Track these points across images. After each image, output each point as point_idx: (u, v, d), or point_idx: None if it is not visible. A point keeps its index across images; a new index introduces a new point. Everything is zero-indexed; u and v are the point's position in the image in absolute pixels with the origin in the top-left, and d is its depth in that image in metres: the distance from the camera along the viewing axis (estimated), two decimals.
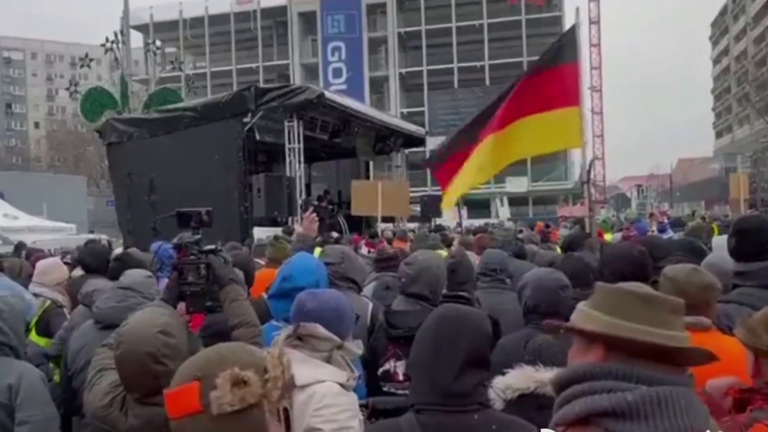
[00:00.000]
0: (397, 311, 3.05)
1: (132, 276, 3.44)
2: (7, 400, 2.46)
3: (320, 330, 2.12)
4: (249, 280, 3.77)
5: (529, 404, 2.04)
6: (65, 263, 5.64)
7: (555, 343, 2.26)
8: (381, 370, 2.95)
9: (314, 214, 4.18)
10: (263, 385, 1.34)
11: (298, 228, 6.59)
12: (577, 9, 6.42)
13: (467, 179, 6.52)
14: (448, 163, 6.79)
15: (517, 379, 2.09)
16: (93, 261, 4.81)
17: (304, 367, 2.04)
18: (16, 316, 2.81)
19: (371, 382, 2.89)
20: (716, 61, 75.23)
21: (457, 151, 6.66)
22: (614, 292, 1.36)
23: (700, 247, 4.16)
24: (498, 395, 2.01)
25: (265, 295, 3.29)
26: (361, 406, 2.27)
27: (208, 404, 1.27)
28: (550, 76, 6.01)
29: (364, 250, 7.13)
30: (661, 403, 1.15)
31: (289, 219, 11.39)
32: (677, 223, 10.33)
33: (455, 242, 7.41)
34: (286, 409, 1.94)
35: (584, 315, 1.37)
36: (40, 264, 4.85)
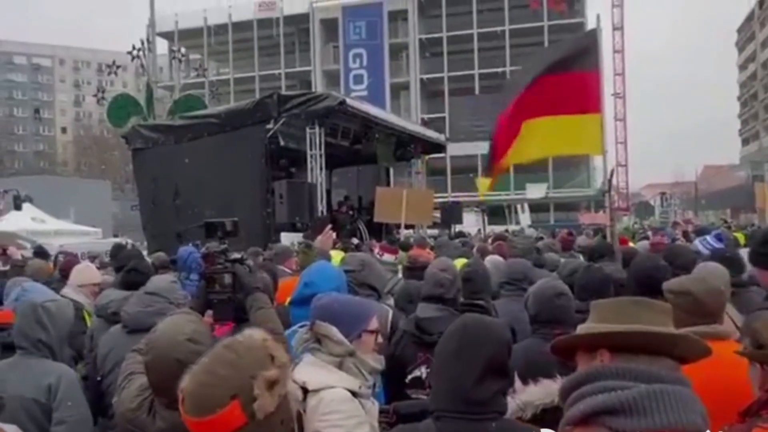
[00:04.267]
0: (428, 317, 3.03)
1: (157, 281, 3.54)
2: (45, 399, 2.53)
3: (334, 332, 2.14)
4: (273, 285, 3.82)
5: (553, 418, 2.03)
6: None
7: None
8: (410, 377, 2.96)
9: (331, 231, 4.28)
10: (283, 373, 1.43)
11: (318, 241, 6.57)
12: (598, 16, 6.34)
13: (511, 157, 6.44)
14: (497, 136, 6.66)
15: (537, 395, 2.06)
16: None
17: (316, 372, 2.08)
18: (63, 321, 2.90)
19: (394, 390, 2.89)
20: (742, 68, 73.99)
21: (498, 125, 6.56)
22: (606, 305, 1.51)
23: (733, 257, 4.04)
24: (517, 414, 1.96)
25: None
26: (382, 411, 2.30)
27: (253, 414, 1.36)
28: (571, 80, 5.94)
29: (385, 257, 7.12)
30: (659, 400, 1.19)
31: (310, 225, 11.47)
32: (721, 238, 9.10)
33: (474, 250, 7.38)
34: (299, 413, 2.02)
35: (586, 329, 1.49)
36: (75, 267, 5.02)
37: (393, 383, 2.90)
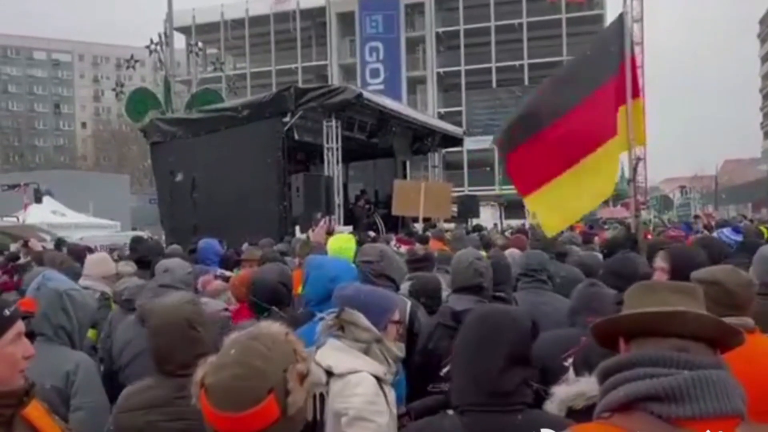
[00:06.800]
0: (464, 310, 2.99)
1: (173, 271, 3.55)
2: (63, 386, 2.55)
3: (361, 319, 2.17)
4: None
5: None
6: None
7: None
8: (445, 370, 2.90)
9: (325, 225, 4.36)
10: (308, 367, 1.38)
11: (311, 235, 6.47)
12: (625, 0, 6.14)
13: (577, 202, 5.57)
14: (520, 149, 5.98)
15: (593, 387, 1.99)
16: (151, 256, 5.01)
17: (343, 357, 2.11)
18: (86, 311, 2.91)
19: (428, 383, 2.86)
20: (764, 59, 72.79)
21: (531, 136, 5.86)
22: (628, 292, 1.49)
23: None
24: (568, 403, 1.89)
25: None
26: (401, 416, 2.31)
27: (286, 408, 1.30)
28: (601, 96, 5.62)
29: (402, 249, 7.07)
30: (704, 386, 1.18)
31: (327, 218, 11.48)
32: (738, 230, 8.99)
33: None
34: (322, 395, 2.00)
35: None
36: (88, 259, 4.94)
37: (427, 377, 2.85)
